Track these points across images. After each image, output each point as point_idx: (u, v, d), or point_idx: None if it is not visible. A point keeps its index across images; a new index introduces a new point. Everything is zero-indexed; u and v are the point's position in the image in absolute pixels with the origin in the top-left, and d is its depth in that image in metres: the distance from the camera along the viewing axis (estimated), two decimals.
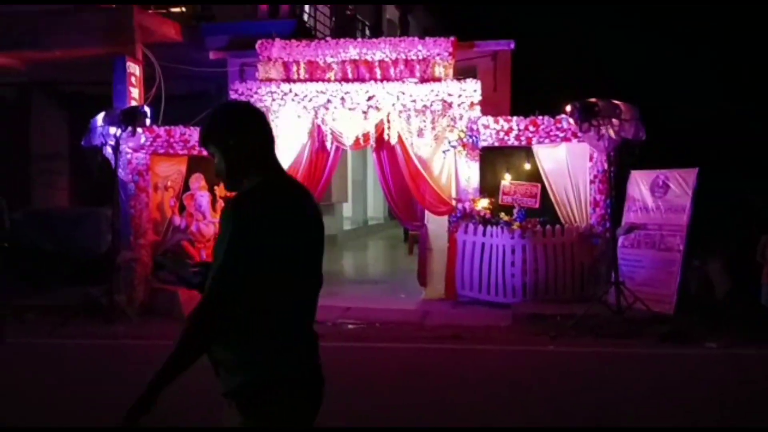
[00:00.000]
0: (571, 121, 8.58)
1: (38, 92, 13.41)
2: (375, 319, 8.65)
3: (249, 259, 2.13)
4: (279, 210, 2.23)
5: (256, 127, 2.36)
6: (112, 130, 8.91)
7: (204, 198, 9.81)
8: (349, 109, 9.56)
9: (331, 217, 15.40)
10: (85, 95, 12.51)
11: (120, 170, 9.33)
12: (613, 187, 8.70)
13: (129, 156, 9.53)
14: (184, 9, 12.69)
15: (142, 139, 9.43)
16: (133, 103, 10.20)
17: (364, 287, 10.91)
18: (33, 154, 13.39)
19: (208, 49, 11.43)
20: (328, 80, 9.79)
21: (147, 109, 9.06)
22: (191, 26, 11.77)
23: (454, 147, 9.35)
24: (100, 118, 9.09)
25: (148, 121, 9.03)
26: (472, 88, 9.32)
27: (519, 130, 9.10)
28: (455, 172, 9.43)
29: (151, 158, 9.67)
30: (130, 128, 8.79)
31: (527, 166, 9.43)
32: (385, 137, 9.53)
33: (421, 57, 9.63)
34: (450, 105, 9.35)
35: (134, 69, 10.55)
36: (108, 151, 9.04)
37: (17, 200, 10.90)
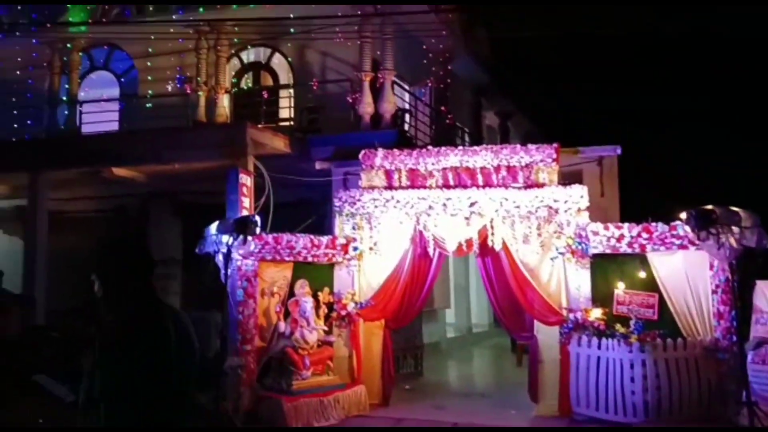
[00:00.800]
0: (688, 228, 8.16)
1: (156, 201, 14.27)
2: None
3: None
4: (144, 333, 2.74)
5: (128, 262, 2.93)
6: (225, 238, 9.24)
7: (308, 304, 9.87)
8: (451, 215, 9.53)
9: (434, 323, 15.12)
10: (198, 204, 13.18)
11: (230, 276, 9.60)
12: (738, 297, 8.08)
13: (239, 263, 9.81)
14: (292, 123, 13.36)
15: (252, 246, 9.69)
16: (245, 212, 10.62)
17: (471, 401, 10.45)
18: None
19: (314, 159, 11.89)
20: (430, 187, 9.88)
21: (257, 218, 9.39)
22: (298, 138, 12.32)
23: (563, 254, 9.07)
24: (213, 227, 9.46)
25: (258, 230, 9.33)
26: (579, 194, 9.11)
27: (631, 236, 8.72)
28: (565, 280, 9.09)
29: (259, 264, 9.91)
30: (241, 236, 9.10)
31: (642, 275, 8.94)
32: (489, 243, 9.39)
33: (523, 163, 9.58)
34: (556, 211, 9.15)
35: (246, 180, 11.04)
36: (220, 258, 9.34)
37: None
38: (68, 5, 14.47)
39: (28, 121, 14.83)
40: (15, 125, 14.81)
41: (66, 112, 14.39)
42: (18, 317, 10.62)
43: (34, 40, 14.59)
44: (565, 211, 9.12)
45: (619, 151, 10.32)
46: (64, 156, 12.45)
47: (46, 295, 12.33)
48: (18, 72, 15.28)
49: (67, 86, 14.45)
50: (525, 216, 9.25)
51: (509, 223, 9.32)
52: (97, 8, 14.47)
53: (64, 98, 14.46)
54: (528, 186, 9.44)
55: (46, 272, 12.46)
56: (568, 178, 9.59)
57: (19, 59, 15.15)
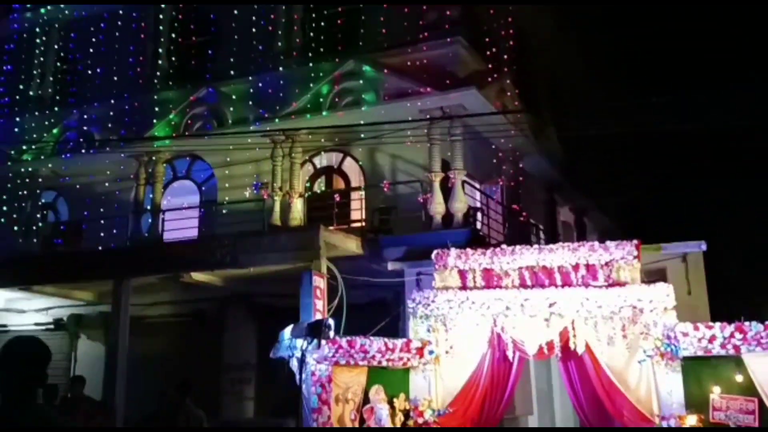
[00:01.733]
0: None
1: (232, 305, 14.49)
2: None
3: None
4: None
5: (19, 365, 3.15)
6: (299, 342, 9.21)
7: (383, 411, 9.62)
8: (530, 316, 9.27)
9: None
10: (273, 307, 13.31)
11: (304, 381, 9.50)
12: None
13: (313, 367, 9.72)
14: (364, 224, 13.52)
15: (326, 351, 9.62)
16: (318, 315, 10.62)
17: None
18: (224, 365, 14.17)
19: (386, 259, 11.91)
20: (506, 287, 9.68)
21: (331, 322, 9.36)
22: (370, 239, 12.41)
23: (651, 356, 8.63)
24: (287, 331, 9.49)
25: (332, 333, 9.28)
26: (664, 292, 8.74)
27: (724, 337, 8.22)
28: (655, 385, 8.60)
29: (333, 369, 9.79)
30: (315, 341, 9.06)
31: (739, 378, 8.35)
32: (571, 346, 9.04)
33: (603, 261, 9.32)
34: (641, 311, 8.79)
35: (319, 282, 11.11)
36: (294, 363, 9.30)
37: (209, 410, 11.36)
38: (154, 122, 15.41)
39: (114, 230, 15.54)
40: (102, 234, 15.54)
41: (149, 220, 15.07)
42: (99, 424, 10.78)
43: (122, 155, 15.52)
44: (651, 311, 8.75)
45: (704, 246, 9.93)
46: (147, 263, 12.90)
47: (126, 400, 12.46)
48: (107, 184, 16.21)
49: (151, 195, 15.22)
50: (608, 316, 8.91)
51: (591, 324, 8.98)
52: (181, 123, 15.36)
53: (148, 207, 15.19)
54: (609, 285, 9.14)
55: (125, 377, 12.64)
56: (651, 276, 9.27)
57: (108, 172, 16.10)
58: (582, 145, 16.73)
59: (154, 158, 15.29)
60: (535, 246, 10.15)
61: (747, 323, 8.21)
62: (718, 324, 8.36)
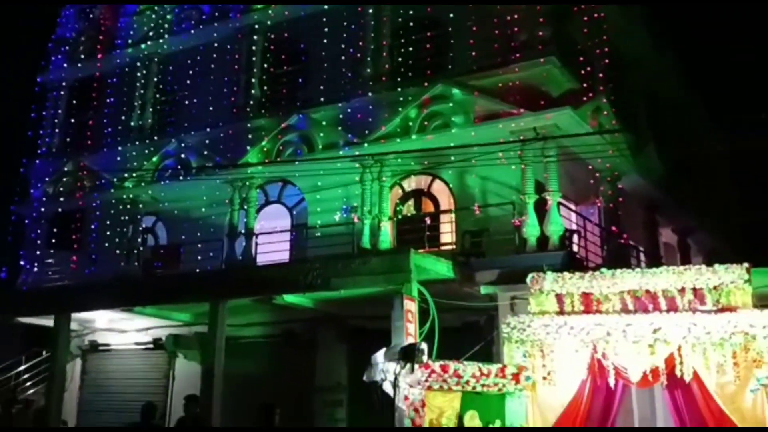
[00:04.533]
0: None
1: (323, 327, 14.63)
2: None
3: None
4: None
5: None
6: (392, 366, 9.20)
7: None
8: (633, 342, 8.90)
9: None
10: (364, 329, 13.33)
11: (397, 406, 9.43)
12: None
13: (406, 392, 9.63)
14: (454, 247, 13.41)
15: (419, 375, 9.53)
16: (410, 339, 10.55)
17: None
18: (317, 386, 14.28)
19: (478, 283, 11.76)
20: (607, 312, 9.35)
21: (424, 346, 9.29)
22: (461, 262, 12.27)
23: (765, 385, 8.08)
24: (380, 354, 9.49)
25: (425, 358, 9.20)
26: None
27: None
28: None
29: (426, 393, 9.66)
30: (408, 365, 9.02)
31: None
32: (678, 373, 8.60)
33: (711, 285, 8.87)
34: (753, 337, 8.30)
35: (410, 306, 11.04)
36: (387, 386, 9.26)
37: None
38: (247, 149, 15.89)
39: (210, 254, 16.06)
40: (199, 257, 16.09)
41: (243, 244, 15.49)
42: None
43: (217, 180, 16.10)
44: (765, 338, 8.23)
45: None
46: (241, 285, 13.20)
47: (221, 418, 12.72)
48: (203, 209, 16.83)
49: (244, 220, 15.66)
50: (717, 343, 8.45)
51: (700, 350, 8.54)
52: (273, 149, 15.80)
53: (242, 231, 15.62)
54: (718, 310, 8.67)
55: (221, 396, 12.92)
56: (764, 301, 8.70)
57: (204, 198, 16.72)
58: (684, 164, 16.09)
59: (247, 183, 15.79)
60: (637, 269, 9.78)
61: None
62: None
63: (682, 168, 16.56)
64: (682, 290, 9.01)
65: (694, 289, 8.96)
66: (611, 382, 9.02)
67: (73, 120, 20.06)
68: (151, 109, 18.73)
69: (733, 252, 10.58)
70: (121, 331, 16.49)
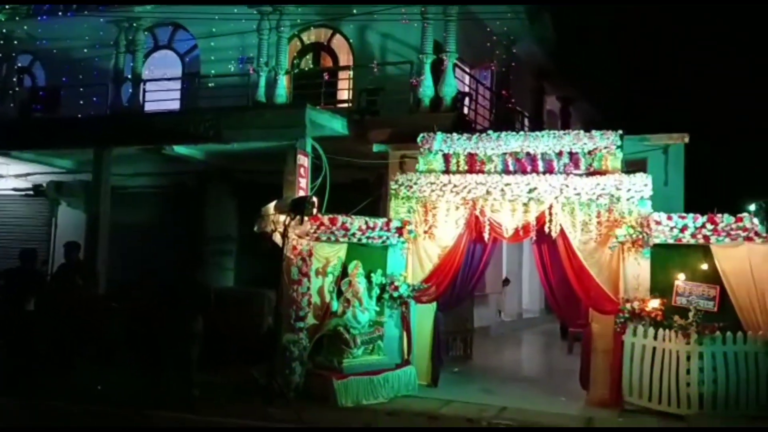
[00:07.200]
0: (755, 220, 7.90)
1: (214, 179, 14.54)
2: (533, 422, 8.17)
3: None
4: None
5: None
6: (282, 217, 9.37)
7: (361, 284, 9.92)
8: (510, 200, 9.45)
9: (484, 307, 15.08)
10: (255, 183, 13.37)
11: (285, 255, 9.71)
12: None
13: (294, 242, 9.91)
14: (350, 104, 13.38)
15: (308, 227, 9.78)
16: (301, 193, 10.72)
17: (520, 386, 10.40)
18: (207, 236, 14.41)
19: (372, 141, 11.89)
20: (489, 172, 9.79)
21: (315, 199, 9.48)
22: (356, 120, 12.33)
23: (623, 243, 8.90)
24: (271, 206, 9.60)
25: (314, 210, 9.42)
26: (642, 182, 8.90)
27: (695, 227, 8.47)
28: (623, 270, 8.93)
29: (314, 244, 9.99)
30: (298, 216, 9.21)
31: (704, 266, 8.69)
32: (546, 230, 9.28)
33: (587, 150, 9.40)
34: (618, 199, 8.97)
35: (303, 161, 11.13)
36: (276, 237, 9.48)
37: None
38: None
39: (94, 98, 15.26)
40: (81, 102, 15.26)
41: (130, 90, 14.77)
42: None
43: (101, 19, 14.98)
44: (628, 200, 8.94)
45: (686, 139, 10.05)
46: (128, 133, 12.74)
47: (108, 266, 12.71)
48: (85, 50, 15.75)
49: (131, 64, 14.83)
50: (585, 203, 9.11)
51: (569, 210, 9.20)
52: None
53: (129, 76, 14.84)
54: (590, 173, 9.27)
55: (107, 245, 12.82)
56: (632, 166, 9.38)
57: (86, 38, 15.60)
58: (576, 35, 16.46)
59: (134, 25, 14.81)
60: (521, 133, 10.16)
61: (719, 215, 8.45)
62: (690, 215, 8.59)
63: (573, 37, 16.93)
64: (559, 153, 9.51)
65: (571, 153, 9.46)
66: (486, 236, 9.63)
67: None
68: None
69: (610, 122, 11.17)
70: None
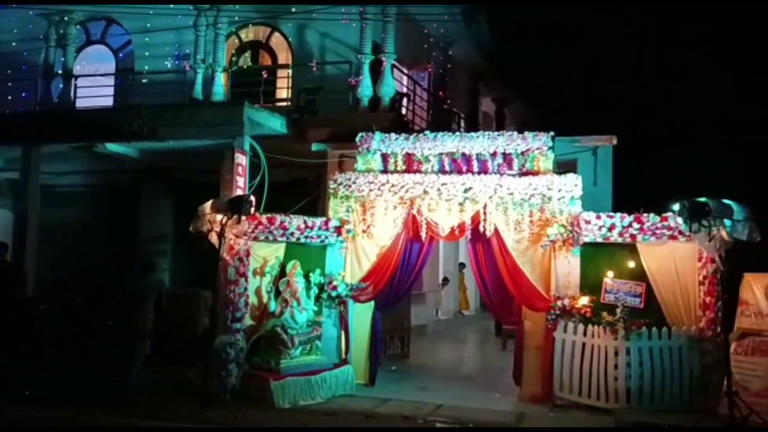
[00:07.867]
0: (679, 219, 8.26)
1: (149, 178, 14.25)
2: (467, 419, 8.32)
3: None
4: None
5: None
6: (218, 217, 9.26)
7: (299, 284, 9.91)
8: (446, 200, 9.60)
9: (421, 306, 15.24)
10: (191, 182, 13.17)
11: (222, 255, 9.60)
12: (724, 289, 8.21)
13: (231, 242, 9.80)
14: (289, 103, 13.32)
15: (245, 226, 9.69)
16: (239, 192, 10.61)
17: (455, 383, 10.58)
18: (142, 236, 14.10)
19: (310, 140, 11.87)
20: (426, 172, 9.93)
21: (253, 198, 9.39)
22: (295, 119, 12.30)
23: (554, 242, 9.16)
24: (207, 205, 9.46)
25: (252, 210, 9.33)
26: (573, 183, 9.19)
27: (622, 226, 8.79)
28: (554, 268, 9.19)
29: (252, 244, 9.90)
30: (235, 216, 9.11)
31: (631, 264, 9.04)
32: (481, 229, 9.47)
33: (519, 150, 9.64)
34: (549, 199, 9.24)
35: (241, 159, 11.02)
36: (213, 236, 9.35)
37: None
38: None
39: (22, 94, 14.74)
40: (9, 97, 14.70)
41: (61, 86, 14.31)
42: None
43: (30, 12, 14.48)
44: (559, 200, 9.21)
45: (614, 141, 10.41)
46: (58, 129, 12.33)
47: (36, 267, 12.30)
48: (14, 44, 15.18)
49: (62, 59, 14.38)
50: (518, 203, 9.34)
51: (502, 209, 9.41)
52: None
53: (59, 72, 14.38)
54: (523, 173, 9.51)
55: (36, 244, 12.41)
56: (563, 167, 9.66)
57: (15, 31, 15.07)
58: (511, 36, 16.82)
59: (65, 18, 14.35)
60: (457, 133, 10.34)
61: (645, 215, 8.78)
62: (618, 214, 8.90)
63: (508, 40, 17.31)
64: (494, 154, 9.71)
65: (504, 154, 9.69)
66: (423, 235, 9.76)
67: None
68: None
69: (543, 123, 11.48)
70: None
